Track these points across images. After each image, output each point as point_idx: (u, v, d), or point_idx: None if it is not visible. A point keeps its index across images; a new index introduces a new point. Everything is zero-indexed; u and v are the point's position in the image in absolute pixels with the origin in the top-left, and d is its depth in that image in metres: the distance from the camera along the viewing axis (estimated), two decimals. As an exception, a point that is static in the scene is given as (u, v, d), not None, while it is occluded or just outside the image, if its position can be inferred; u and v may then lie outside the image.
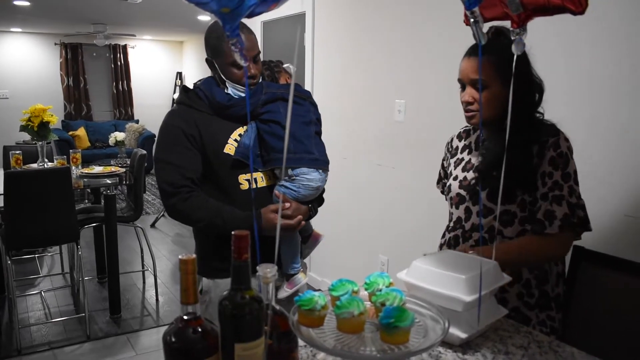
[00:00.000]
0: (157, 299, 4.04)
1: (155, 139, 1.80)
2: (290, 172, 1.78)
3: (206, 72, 1.88)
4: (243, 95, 1.77)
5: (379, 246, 3.44)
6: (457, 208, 1.70)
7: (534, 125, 1.54)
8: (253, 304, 0.89)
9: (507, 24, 1.23)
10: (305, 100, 1.90)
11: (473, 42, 2.95)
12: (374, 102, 3.43)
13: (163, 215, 6.50)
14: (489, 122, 1.57)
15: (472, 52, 1.59)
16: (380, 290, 1.11)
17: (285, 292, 1.87)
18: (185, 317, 0.92)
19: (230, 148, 1.76)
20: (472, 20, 0.93)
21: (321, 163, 1.83)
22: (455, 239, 1.69)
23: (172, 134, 1.75)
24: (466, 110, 1.61)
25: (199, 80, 1.84)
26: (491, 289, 1.22)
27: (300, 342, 1.09)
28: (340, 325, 1.03)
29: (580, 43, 2.18)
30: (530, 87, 1.55)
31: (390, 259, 3.41)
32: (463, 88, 1.62)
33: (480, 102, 1.54)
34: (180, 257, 0.89)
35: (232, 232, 0.88)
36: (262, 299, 0.91)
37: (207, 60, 1.82)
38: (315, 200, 1.88)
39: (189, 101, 1.80)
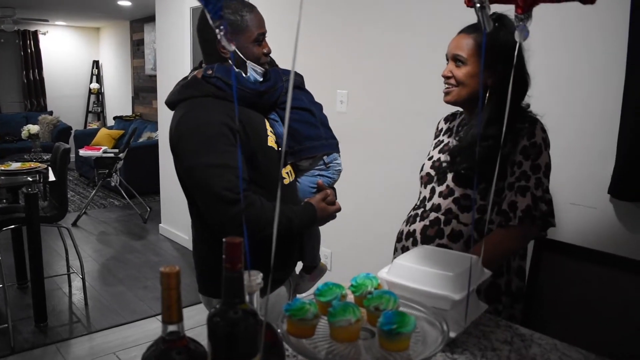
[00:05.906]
0: (86, 304, 3.77)
1: (183, 142, 1.51)
2: (325, 159, 1.74)
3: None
4: (261, 78, 1.61)
5: (322, 239, 3.37)
6: (424, 187, 1.72)
7: (515, 115, 1.52)
8: (248, 319, 0.80)
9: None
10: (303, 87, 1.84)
11: (417, 33, 2.89)
12: (315, 92, 3.30)
13: (85, 212, 6.14)
14: (462, 101, 1.60)
15: (463, 30, 1.59)
16: (371, 293, 1.04)
17: (310, 284, 1.89)
18: (166, 338, 0.81)
19: (272, 140, 1.62)
20: (477, 5, 0.87)
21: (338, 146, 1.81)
22: (415, 217, 1.70)
23: (216, 132, 1.47)
24: (445, 85, 1.61)
25: (209, 69, 1.55)
26: (476, 284, 1.19)
27: (288, 352, 1.01)
28: (335, 333, 0.96)
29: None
30: (517, 77, 1.52)
31: (333, 252, 3.37)
32: (448, 63, 1.62)
33: (481, 96, 1.53)
34: (161, 269, 0.78)
35: (224, 239, 0.78)
36: (257, 312, 0.82)
37: (206, 45, 1.58)
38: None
39: (220, 92, 1.53)
